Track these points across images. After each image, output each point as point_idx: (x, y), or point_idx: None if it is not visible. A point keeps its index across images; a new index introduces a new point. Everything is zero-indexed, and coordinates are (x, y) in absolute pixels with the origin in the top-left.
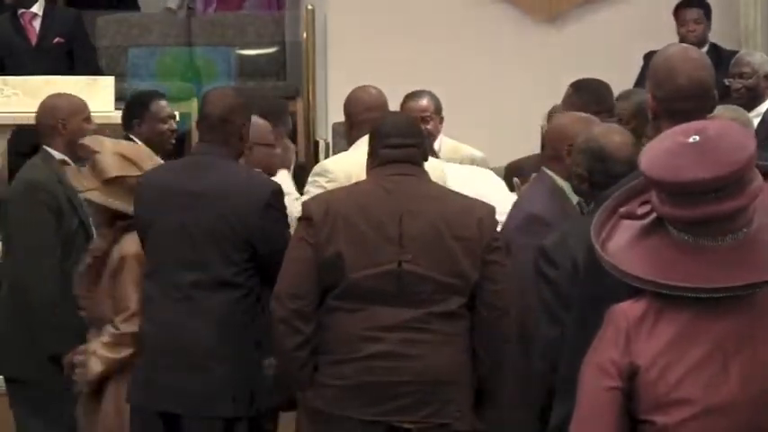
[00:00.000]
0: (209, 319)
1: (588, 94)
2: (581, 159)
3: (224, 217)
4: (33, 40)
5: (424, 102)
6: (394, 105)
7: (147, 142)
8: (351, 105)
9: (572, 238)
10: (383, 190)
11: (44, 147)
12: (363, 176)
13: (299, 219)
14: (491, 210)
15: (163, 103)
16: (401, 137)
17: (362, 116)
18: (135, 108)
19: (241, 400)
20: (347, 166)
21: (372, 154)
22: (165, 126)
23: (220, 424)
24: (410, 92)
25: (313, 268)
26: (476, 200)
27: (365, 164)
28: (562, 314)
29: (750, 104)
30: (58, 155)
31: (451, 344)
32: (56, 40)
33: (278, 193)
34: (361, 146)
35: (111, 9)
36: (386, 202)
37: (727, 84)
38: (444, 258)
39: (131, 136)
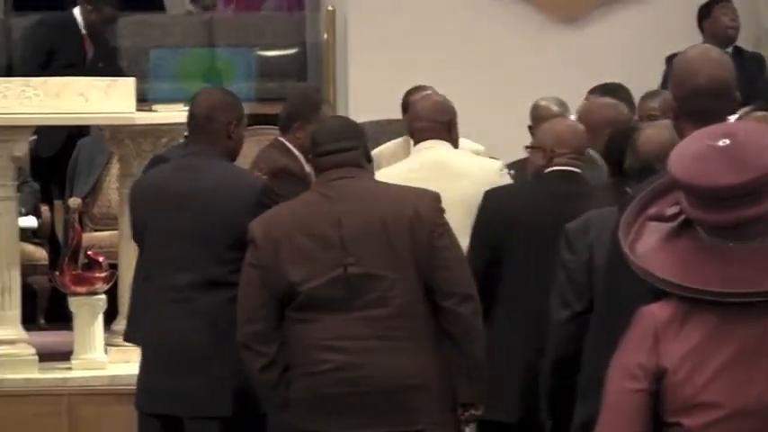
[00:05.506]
0: (206, 319)
1: (620, 97)
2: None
3: (215, 217)
4: (86, 63)
5: None
6: None
7: (301, 149)
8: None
9: (593, 229)
10: (322, 197)
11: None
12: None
13: (248, 242)
14: (431, 195)
15: (327, 110)
16: (333, 142)
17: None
18: (302, 110)
19: (241, 399)
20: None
21: (311, 163)
22: None
23: (221, 424)
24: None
25: (263, 290)
26: (414, 188)
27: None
28: (572, 299)
29: None
30: None
31: (415, 346)
32: (100, 64)
33: (268, 190)
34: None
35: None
36: (324, 208)
37: None
38: (389, 253)
39: (282, 140)
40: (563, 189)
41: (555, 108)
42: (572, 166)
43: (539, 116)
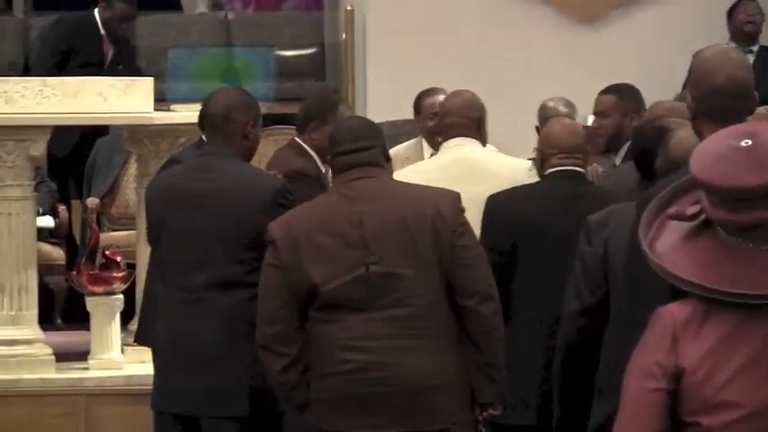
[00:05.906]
0: (222, 319)
1: (632, 98)
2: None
3: (231, 217)
4: (105, 64)
5: (441, 98)
6: None
7: (317, 150)
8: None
9: (613, 221)
10: (342, 197)
11: None
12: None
13: (268, 243)
14: (453, 195)
15: (344, 110)
16: (352, 142)
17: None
18: (318, 110)
19: (258, 398)
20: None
21: (330, 164)
22: None
23: (238, 423)
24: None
25: (283, 291)
26: (434, 188)
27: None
28: (585, 292)
29: None
30: None
31: (437, 346)
32: (119, 67)
33: (285, 190)
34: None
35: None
36: (345, 208)
37: None
38: (411, 253)
39: (299, 140)
40: (567, 189)
41: (562, 108)
42: (571, 165)
43: (546, 116)
